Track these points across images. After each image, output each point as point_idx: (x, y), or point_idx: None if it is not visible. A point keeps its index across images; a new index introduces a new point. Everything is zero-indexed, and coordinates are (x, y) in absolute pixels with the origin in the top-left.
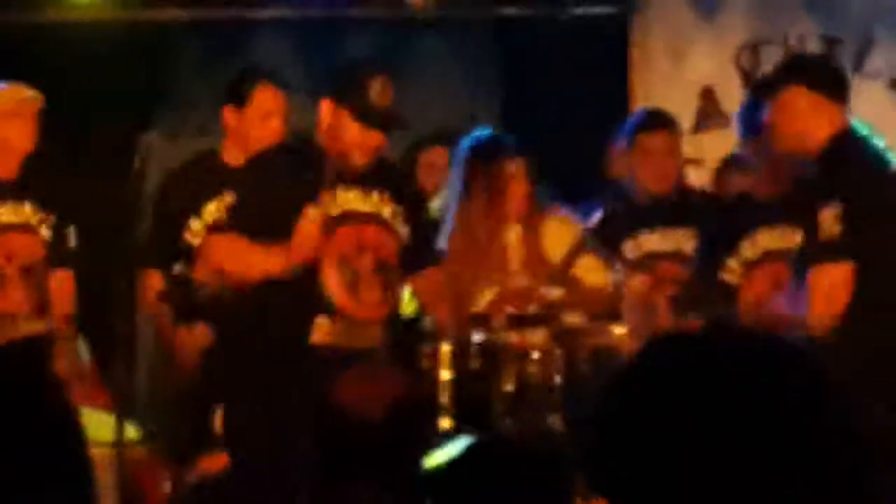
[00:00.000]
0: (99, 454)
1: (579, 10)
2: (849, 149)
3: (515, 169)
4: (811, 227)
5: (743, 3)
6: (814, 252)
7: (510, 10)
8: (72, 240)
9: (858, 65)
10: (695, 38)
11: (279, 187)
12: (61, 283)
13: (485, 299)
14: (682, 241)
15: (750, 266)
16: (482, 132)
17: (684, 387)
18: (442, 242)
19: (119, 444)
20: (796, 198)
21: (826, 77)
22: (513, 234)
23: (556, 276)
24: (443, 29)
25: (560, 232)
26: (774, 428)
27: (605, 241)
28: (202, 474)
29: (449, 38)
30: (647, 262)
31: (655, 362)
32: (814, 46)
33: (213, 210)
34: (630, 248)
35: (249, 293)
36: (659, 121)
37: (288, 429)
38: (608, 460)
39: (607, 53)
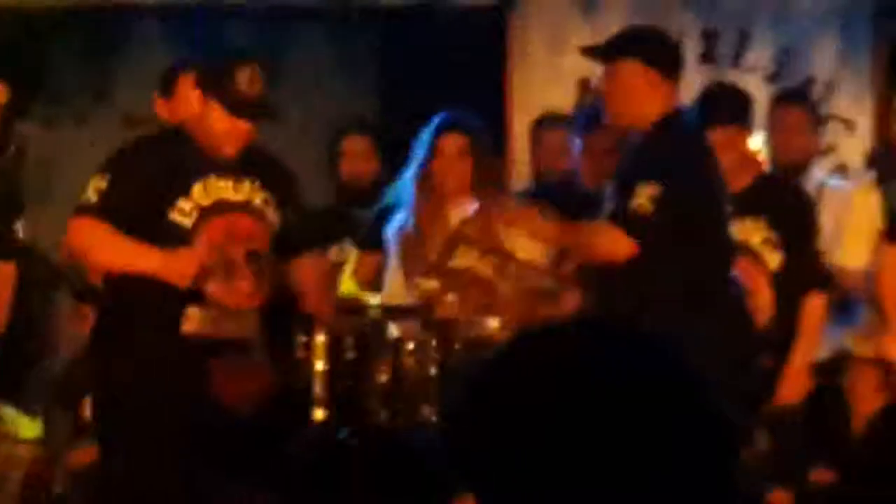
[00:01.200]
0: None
1: (457, 1)
2: (675, 130)
3: (454, 145)
4: (627, 195)
5: None
6: (618, 215)
7: (387, 1)
8: (20, 232)
9: (737, 59)
10: (573, 31)
11: (153, 175)
12: (3, 278)
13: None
14: None
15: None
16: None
17: (549, 381)
18: (392, 226)
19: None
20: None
21: (662, 54)
22: (457, 214)
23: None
24: (321, 19)
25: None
26: (638, 421)
27: None
28: (73, 465)
29: (327, 27)
30: None
31: (520, 356)
32: (693, 40)
33: (90, 189)
34: None
35: (118, 281)
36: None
37: (160, 420)
38: (472, 455)
39: (486, 45)
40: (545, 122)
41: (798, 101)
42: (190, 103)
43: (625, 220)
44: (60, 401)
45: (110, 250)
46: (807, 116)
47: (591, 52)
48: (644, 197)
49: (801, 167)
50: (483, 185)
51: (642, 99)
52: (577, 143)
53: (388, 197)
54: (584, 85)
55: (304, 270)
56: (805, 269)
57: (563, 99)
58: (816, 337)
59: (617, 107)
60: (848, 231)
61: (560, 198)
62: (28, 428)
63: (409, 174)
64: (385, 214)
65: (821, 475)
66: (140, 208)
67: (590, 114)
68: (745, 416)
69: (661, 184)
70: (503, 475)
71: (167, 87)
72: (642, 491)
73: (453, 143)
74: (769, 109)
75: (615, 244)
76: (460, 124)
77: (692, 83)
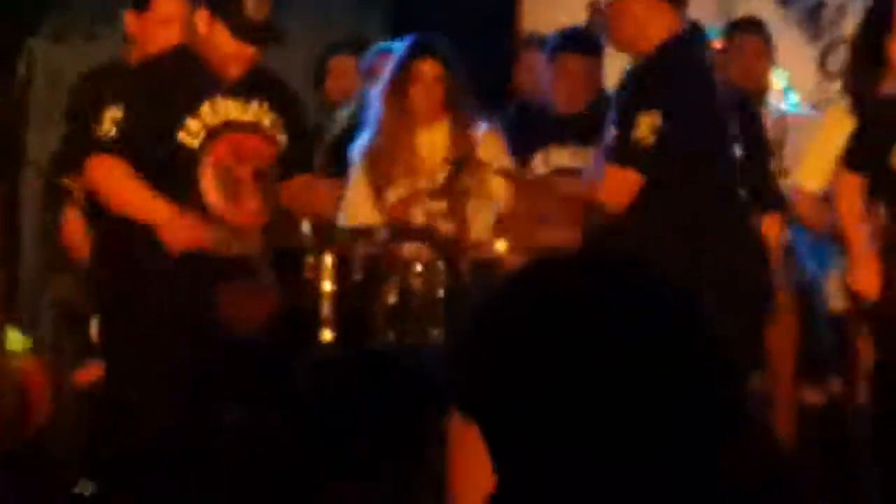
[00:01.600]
0: None
1: None
2: (677, 56)
3: (428, 70)
4: (627, 126)
5: None
6: (620, 148)
7: None
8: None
9: None
10: None
11: (163, 97)
12: None
13: (394, 196)
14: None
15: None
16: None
17: (555, 311)
18: (359, 145)
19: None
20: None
21: None
22: (426, 137)
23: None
24: None
25: (492, 144)
26: (643, 357)
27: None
28: (78, 385)
29: None
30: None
31: (529, 286)
32: None
33: (106, 120)
34: (540, 161)
35: None
36: (579, 43)
37: (166, 340)
38: (473, 382)
39: None
40: (526, 43)
41: (753, 30)
42: (167, 22)
43: (627, 152)
44: (66, 320)
45: (123, 195)
46: (762, 45)
47: None
48: (645, 127)
49: (758, 92)
50: (456, 109)
51: (643, 23)
52: (548, 64)
53: (351, 117)
54: (593, 7)
55: (294, 190)
56: (761, 192)
57: (573, 22)
58: (776, 259)
59: (619, 32)
60: (810, 153)
61: (537, 121)
62: (17, 341)
63: (378, 92)
64: (347, 138)
65: (812, 397)
66: (153, 131)
67: (565, 34)
68: (750, 351)
69: (662, 112)
70: (502, 405)
71: (143, 1)
72: (644, 431)
73: (430, 68)
74: (726, 38)
75: (620, 182)
76: (436, 49)
77: (704, 7)
